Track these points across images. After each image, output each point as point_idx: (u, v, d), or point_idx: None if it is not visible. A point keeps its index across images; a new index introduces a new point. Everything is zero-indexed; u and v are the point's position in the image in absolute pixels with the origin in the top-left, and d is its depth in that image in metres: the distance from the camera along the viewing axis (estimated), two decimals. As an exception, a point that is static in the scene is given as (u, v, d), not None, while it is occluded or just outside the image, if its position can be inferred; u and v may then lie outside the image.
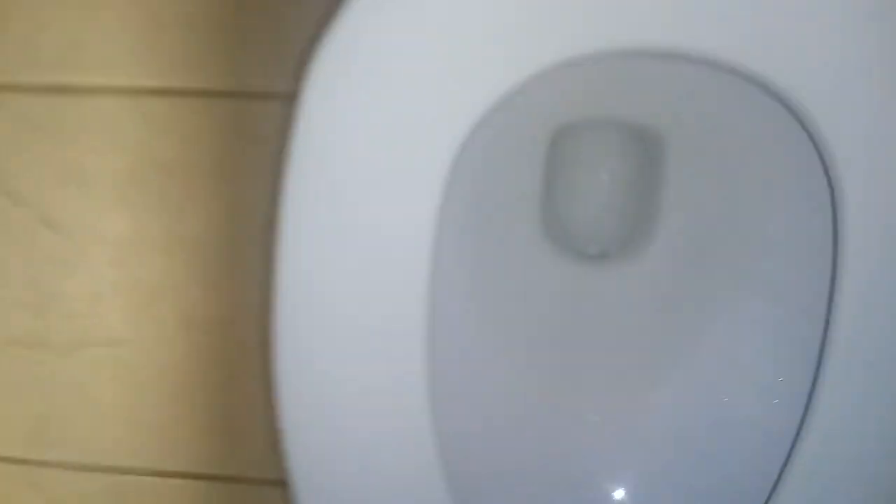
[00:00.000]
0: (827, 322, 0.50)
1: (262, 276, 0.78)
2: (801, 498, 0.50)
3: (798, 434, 0.51)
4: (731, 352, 0.58)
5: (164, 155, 0.78)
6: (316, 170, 0.53)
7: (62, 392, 0.83)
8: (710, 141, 0.59)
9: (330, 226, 0.54)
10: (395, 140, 0.53)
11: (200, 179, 0.79)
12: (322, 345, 0.54)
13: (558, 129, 0.62)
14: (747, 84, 0.50)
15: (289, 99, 0.66)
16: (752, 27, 0.49)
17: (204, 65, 0.77)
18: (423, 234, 0.51)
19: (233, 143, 0.78)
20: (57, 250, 0.81)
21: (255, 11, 0.76)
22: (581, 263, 0.63)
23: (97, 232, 0.80)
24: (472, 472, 0.56)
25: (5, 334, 0.82)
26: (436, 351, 0.52)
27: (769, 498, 0.52)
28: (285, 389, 0.54)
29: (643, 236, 0.63)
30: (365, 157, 0.54)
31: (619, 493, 0.60)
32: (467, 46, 0.51)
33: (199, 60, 0.77)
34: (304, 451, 0.54)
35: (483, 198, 0.60)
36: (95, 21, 0.77)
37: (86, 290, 0.81)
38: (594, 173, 0.64)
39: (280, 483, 0.72)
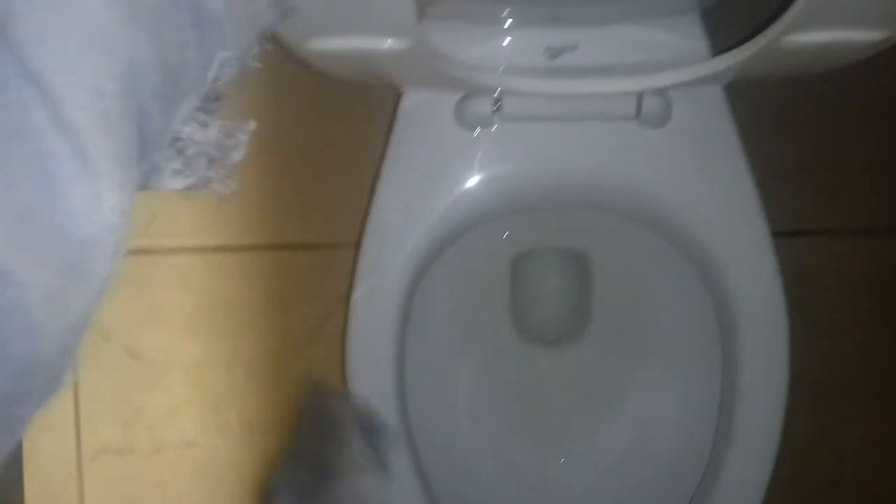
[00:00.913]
0: (722, 390, 0.72)
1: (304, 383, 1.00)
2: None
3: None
4: (646, 410, 0.81)
5: (225, 295, 1.01)
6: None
7: (147, 490, 1.02)
8: (624, 260, 0.83)
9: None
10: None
11: (253, 313, 1.01)
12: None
13: (516, 255, 0.86)
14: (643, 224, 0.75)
15: (312, 248, 0.91)
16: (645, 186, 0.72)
17: (252, 227, 1.01)
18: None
19: (276, 283, 1.01)
20: (139, 374, 1.02)
21: (287, 190, 1.00)
22: (539, 346, 0.87)
23: (172, 358, 1.02)
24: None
25: (98, 444, 1.02)
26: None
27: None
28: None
29: (583, 326, 0.86)
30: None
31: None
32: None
33: (249, 223, 1.01)
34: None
35: (463, 297, 0.83)
36: (168, 199, 1.01)
37: (164, 404, 1.02)
38: (546, 284, 0.88)
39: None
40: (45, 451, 1.02)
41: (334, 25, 0.52)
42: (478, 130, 0.69)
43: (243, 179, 0.93)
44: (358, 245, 0.96)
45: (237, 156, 0.38)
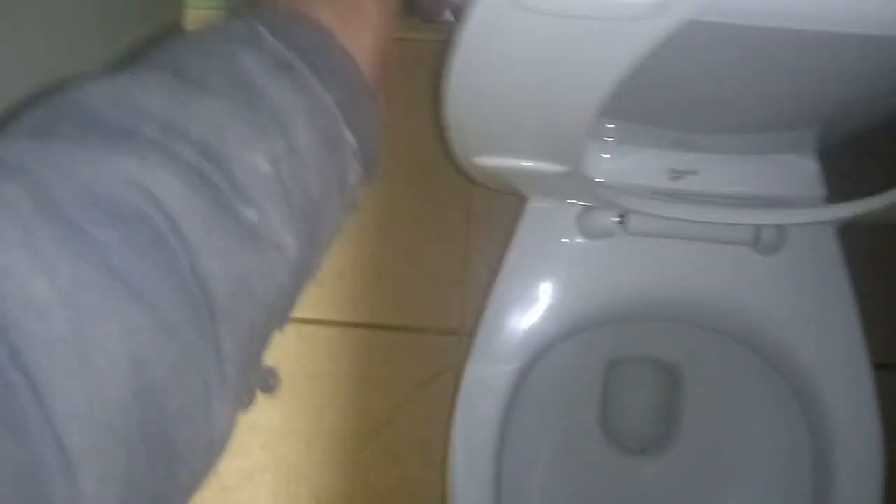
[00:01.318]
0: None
1: (383, 465, 1.02)
2: None
3: None
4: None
5: (313, 367, 1.04)
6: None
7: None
8: (716, 374, 0.85)
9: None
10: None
11: (338, 388, 1.04)
12: None
13: (610, 361, 0.88)
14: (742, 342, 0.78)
15: (399, 331, 0.95)
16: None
17: (346, 304, 1.05)
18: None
19: (363, 361, 1.04)
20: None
21: (383, 273, 1.04)
22: (626, 455, 0.88)
23: (254, 423, 1.04)
24: None
25: None
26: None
27: None
28: None
29: (670, 438, 0.87)
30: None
31: None
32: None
33: (344, 301, 1.05)
34: None
35: (560, 403, 0.86)
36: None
37: (240, 468, 1.04)
38: (636, 393, 0.91)
39: None
40: None
41: (511, 150, 0.56)
42: (600, 241, 0.73)
43: (344, 259, 0.98)
44: (444, 331, 1.00)
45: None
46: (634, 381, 0.90)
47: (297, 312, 0.95)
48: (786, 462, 0.80)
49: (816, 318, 0.73)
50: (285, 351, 1.04)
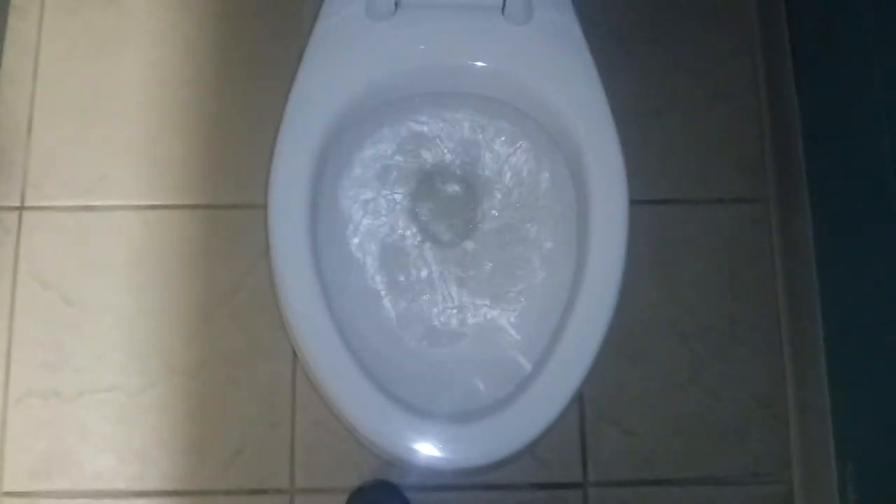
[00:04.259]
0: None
1: (230, 333, 1.09)
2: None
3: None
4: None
5: (159, 249, 1.12)
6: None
7: (67, 432, 1.06)
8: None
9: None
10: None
11: (184, 265, 1.12)
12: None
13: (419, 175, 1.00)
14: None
15: (242, 208, 1.06)
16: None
17: (186, 187, 1.14)
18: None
19: (205, 238, 1.13)
20: (72, 321, 1.09)
21: (223, 154, 1.15)
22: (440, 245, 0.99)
23: (105, 305, 1.10)
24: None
25: (24, 388, 1.07)
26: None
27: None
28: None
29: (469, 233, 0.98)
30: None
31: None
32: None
33: (186, 185, 1.14)
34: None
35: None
36: (116, 163, 1.15)
37: (92, 349, 1.09)
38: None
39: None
40: (-29, 395, 1.07)
41: None
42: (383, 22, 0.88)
43: (181, 148, 1.08)
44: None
45: None
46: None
47: (142, 200, 1.04)
48: (562, 210, 0.94)
49: (567, 78, 0.89)
50: (132, 237, 1.12)
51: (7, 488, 1.05)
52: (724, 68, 1.19)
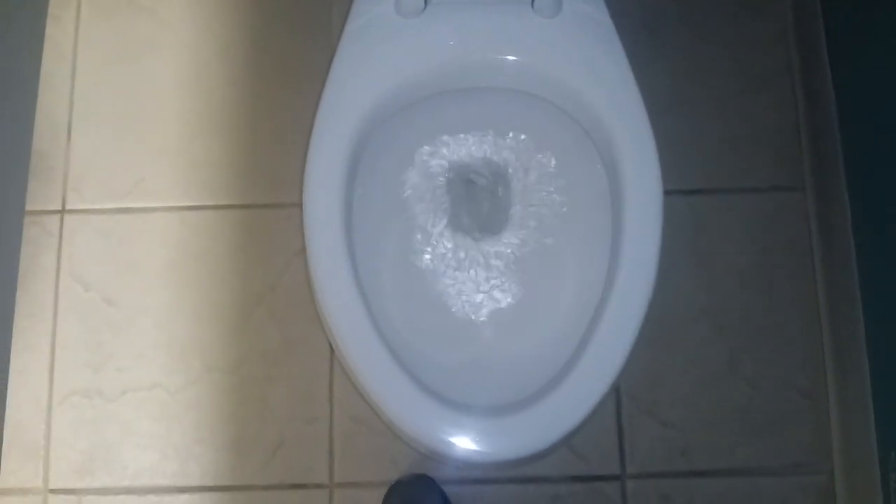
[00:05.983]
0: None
1: (267, 330, 1.10)
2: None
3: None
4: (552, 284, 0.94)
5: (196, 249, 1.14)
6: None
7: (110, 430, 1.08)
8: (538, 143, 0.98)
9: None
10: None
11: (221, 264, 1.13)
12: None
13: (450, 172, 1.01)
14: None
15: (278, 207, 1.07)
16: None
17: (222, 188, 1.16)
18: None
19: (242, 237, 1.14)
20: (113, 321, 1.12)
21: (258, 155, 1.17)
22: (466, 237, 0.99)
23: (145, 305, 1.12)
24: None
25: (68, 387, 1.10)
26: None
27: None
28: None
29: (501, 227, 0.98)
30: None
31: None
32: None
33: (222, 186, 1.16)
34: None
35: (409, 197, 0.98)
36: (153, 166, 1.16)
37: (134, 348, 1.11)
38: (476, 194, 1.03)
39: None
40: (19, 395, 1.09)
41: None
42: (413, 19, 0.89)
43: (216, 150, 1.10)
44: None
45: None
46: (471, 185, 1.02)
47: (179, 201, 1.06)
48: (595, 203, 0.93)
49: (599, 69, 0.89)
50: (170, 238, 1.14)
51: (53, 486, 1.08)
52: (758, 57, 1.18)
